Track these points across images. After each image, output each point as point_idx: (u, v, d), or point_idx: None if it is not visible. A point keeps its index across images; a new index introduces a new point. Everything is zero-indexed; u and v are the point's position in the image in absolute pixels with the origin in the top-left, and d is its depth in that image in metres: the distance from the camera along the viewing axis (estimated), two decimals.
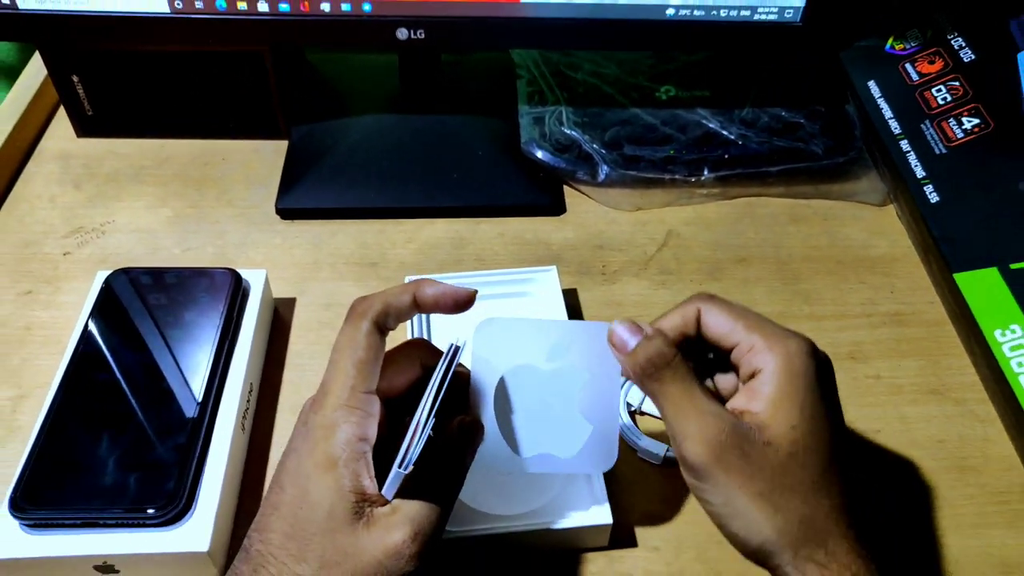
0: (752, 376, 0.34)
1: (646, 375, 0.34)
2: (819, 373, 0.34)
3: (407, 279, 0.50)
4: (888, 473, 0.46)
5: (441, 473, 0.34)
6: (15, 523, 0.38)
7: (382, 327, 0.35)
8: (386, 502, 0.33)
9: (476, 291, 0.37)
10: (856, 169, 0.61)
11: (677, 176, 0.60)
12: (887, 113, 0.59)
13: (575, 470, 0.39)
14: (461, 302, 0.37)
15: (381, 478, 0.33)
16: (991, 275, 0.48)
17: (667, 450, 0.45)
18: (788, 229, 0.59)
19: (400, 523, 0.32)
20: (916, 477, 0.45)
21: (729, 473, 0.32)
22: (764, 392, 0.33)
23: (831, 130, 0.62)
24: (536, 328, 0.39)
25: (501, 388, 0.38)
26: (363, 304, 0.35)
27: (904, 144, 0.57)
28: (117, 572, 0.39)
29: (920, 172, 0.55)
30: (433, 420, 0.33)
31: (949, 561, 0.42)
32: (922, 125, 0.57)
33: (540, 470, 0.38)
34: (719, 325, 0.36)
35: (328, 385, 0.34)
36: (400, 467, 0.31)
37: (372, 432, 0.33)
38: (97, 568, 0.39)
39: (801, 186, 0.61)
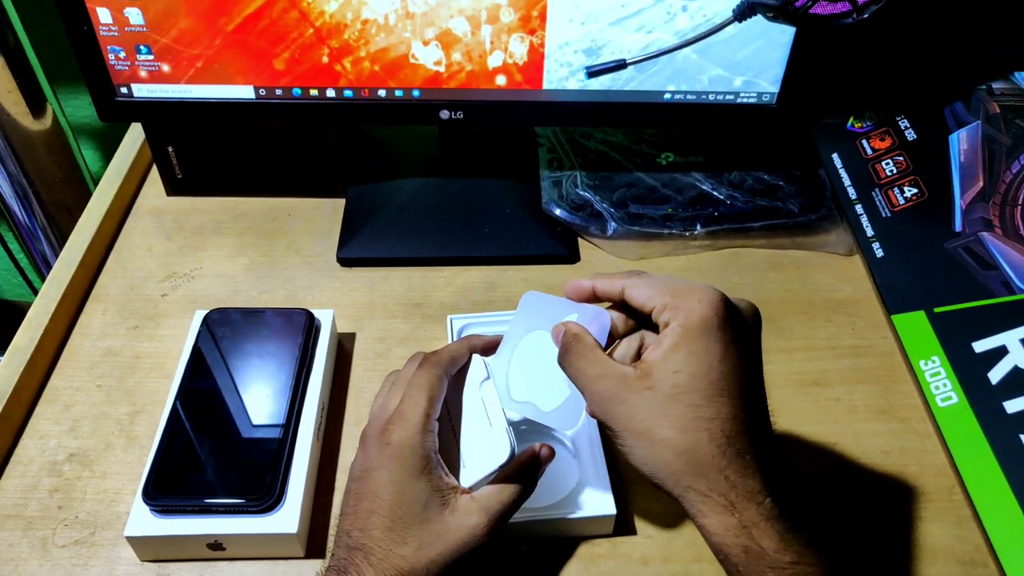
0: (664, 328, 0.39)
1: (561, 356, 0.43)
2: (725, 321, 0.38)
3: (448, 317, 0.61)
4: (843, 478, 0.55)
5: (516, 479, 0.44)
6: (147, 508, 0.49)
7: (448, 372, 0.47)
8: (466, 492, 0.43)
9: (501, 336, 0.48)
10: (826, 224, 0.71)
11: (674, 231, 0.71)
12: (846, 181, 0.70)
13: (547, 423, 0.46)
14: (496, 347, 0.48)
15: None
16: (919, 317, 0.59)
17: None
18: (768, 275, 0.69)
19: (477, 510, 0.43)
20: (866, 481, 0.55)
21: (615, 414, 0.39)
22: (663, 343, 0.38)
23: (805, 191, 0.73)
24: (562, 305, 0.47)
25: (523, 344, 0.47)
26: (435, 356, 0.47)
27: (858, 207, 0.68)
28: (224, 548, 0.50)
29: (870, 231, 0.66)
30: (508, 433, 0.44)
31: (891, 547, 0.52)
32: (873, 192, 0.68)
33: (521, 413, 0.47)
34: (639, 295, 0.41)
35: (407, 413, 0.44)
36: (487, 474, 0.43)
37: (437, 445, 0.44)
38: (209, 545, 0.50)
39: (780, 239, 0.71)
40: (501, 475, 0.44)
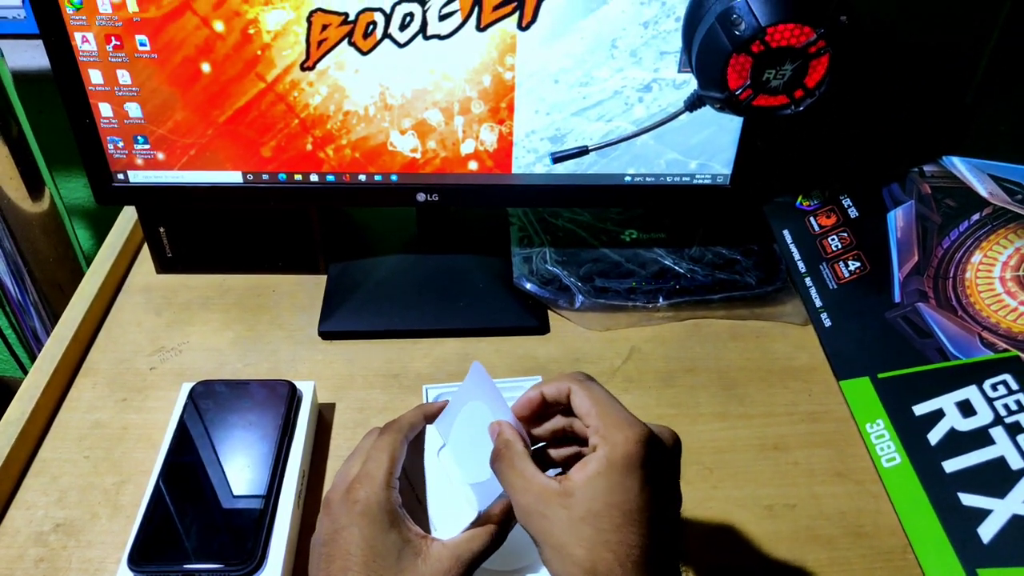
0: (593, 451, 0.41)
1: (493, 459, 0.45)
2: (646, 459, 0.40)
3: (424, 387, 0.64)
4: (803, 539, 0.58)
5: (489, 526, 0.46)
6: (132, 575, 0.51)
7: (407, 437, 0.49)
8: (436, 540, 0.45)
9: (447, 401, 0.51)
10: (782, 296, 0.76)
11: (638, 303, 0.75)
12: (796, 255, 0.75)
13: (467, 493, 0.47)
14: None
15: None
16: (864, 383, 0.63)
17: None
18: (728, 344, 0.73)
19: (449, 556, 0.44)
20: (825, 542, 0.58)
21: (533, 525, 0.41)
22: (587, 467, 0.41)
23: (762, 265, 0.77)
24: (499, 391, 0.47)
25: (463, 413, 0.49)
26: (395, 423, 0.50)
27: (808, 280, 0.72)
28: None
29: (819, 302, 0.70)
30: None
31: None
32: (820, 266, 0.72)
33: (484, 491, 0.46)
34: (581, 406, 0.43)
35: (371, 472, 0.46)
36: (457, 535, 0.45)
37: (400, 501, 0.46)
38: None
39: (739, 310, 0.76)
40: (497, 525, 0.45)
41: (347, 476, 0.47)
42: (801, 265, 0.74)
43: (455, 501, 0.48)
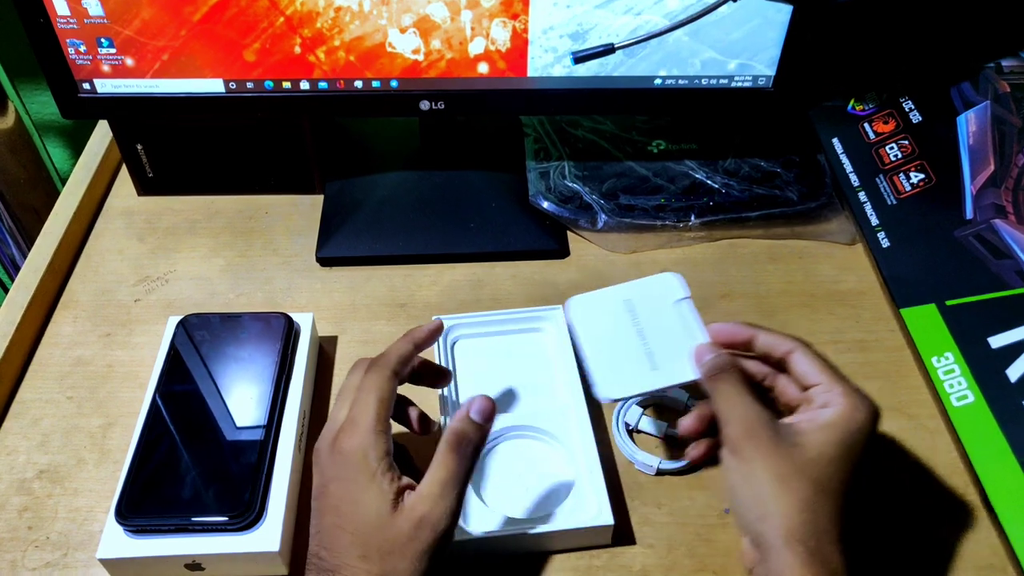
0: (821, 407, 0.42)
1: (709, 376, 0.44)
2: (870, 435, 0.42)
3: (434, 318, 0.59)
4: None
5: (453, 451, 0.42)
6: (120, 529, 0.47)
7: (397, 373, 0.45)
8: (409, 493, 0.41)
9: (442, 322, 0.51)
10: (827, 212, 0.69)
11: (667, 222, 0.68)
12: (848, 167, 0.67)
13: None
14: (439, 329, 0.50)
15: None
16: (930, 311, 0.56)
17: (660, 462, 0.53)
18: (767, 267, 0.67)
19: (420, 500, 0.41)
20: (877, 479, 0.53)
21: (756, 449, 0.41)
22: (820, 417, 0.42)
23: (804, 178, 0.70)
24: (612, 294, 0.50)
25: (650, 307, 0.49)
26: (381, 359, 0.46)
27: (862, 195, 0.65)
28: (203, 568, 0.47)
29: (874, 220, 0.63)
30: None
31: (902, 551, 0.49)
32: (877, 178, 0.65)
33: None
34: (808, 368, 0.44)
35: (357, 419, 0.43)
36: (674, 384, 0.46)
37: (391, 448, 0.43)
38: (187, 566, 0.47)
39: (778, 228, 0.69)
40: (443, 450, 0.43)
41: (334, 422, 0.44)
42: (854, 178, 0.66)
43: (683, 354, 0.46)
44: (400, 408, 0.48)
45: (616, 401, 0.54)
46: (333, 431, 0.44)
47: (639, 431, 0.55)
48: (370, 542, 0.40)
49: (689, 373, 0.46)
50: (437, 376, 0.51)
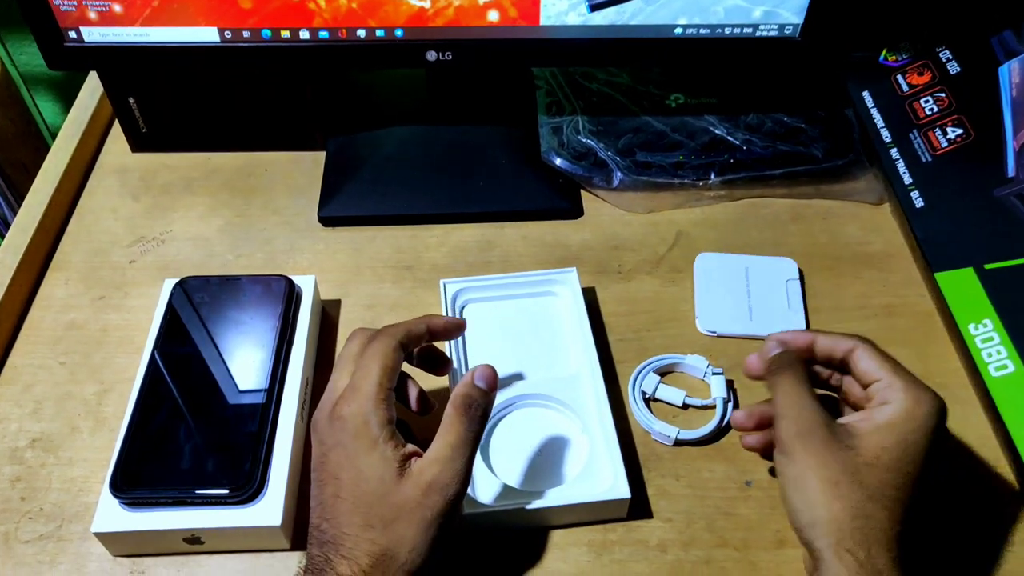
0: (880, 405, 0.41)
1: (770, 371, 0.43)
2: (937, 432, 0.40)
3: (441, 281, 0.56)
4: None
5: (462, 415, 0.41)
6: (115, 502, 0.45)
7: (404, 346, 0.43)
8: (416, 459, 0.39)
9: (465, 321, 0.48)
10: (854, 170, 0.66)
11: (686, 180, 0.65)
12: (879, 122, 0.63)
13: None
14: (461, 327, 0.48)
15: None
16: (967, 275, 0.53)
17: (678, 432, 0.50)
18: (790, 228, 0.64)
19: (429, 464, 0.39)
20: None
21: (807, 451, 0.39)
22: (877, 417, 0.40)
23: (830, 134, 0.67)
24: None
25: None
26: (391, 328, 0.44)
27: (894, 152, 0.62)
28: (202, 542, 0.45)
29: (907, 179, 0.60)
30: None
31: (931, 525, 0.47)
32: (910, 134, 0.61)
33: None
34: (869, 365, 0.42)
35: (358, 384, 0.41)
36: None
37: (394, 416, 0.41)
38: (186, 539, 0.45)
39: (802, 187, 0.66)
40: (452, 414, 0.41)
41: (334, 390, 0.43)
42: (885, 133, 0.63)
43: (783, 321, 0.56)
44: (400, 385, 0.46)
45: (711, 334, 0.56)
46: (332, 399, 0.42)
47: (656, 400, 0.53)
48: (373, 510, 0.38)
49: (778, 330, 0.47)
50: (439, 364, 0.49)
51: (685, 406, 0.52)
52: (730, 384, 0.53)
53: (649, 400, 0.53)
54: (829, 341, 0.44)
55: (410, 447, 0.40)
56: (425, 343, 0.46)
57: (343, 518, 0.38)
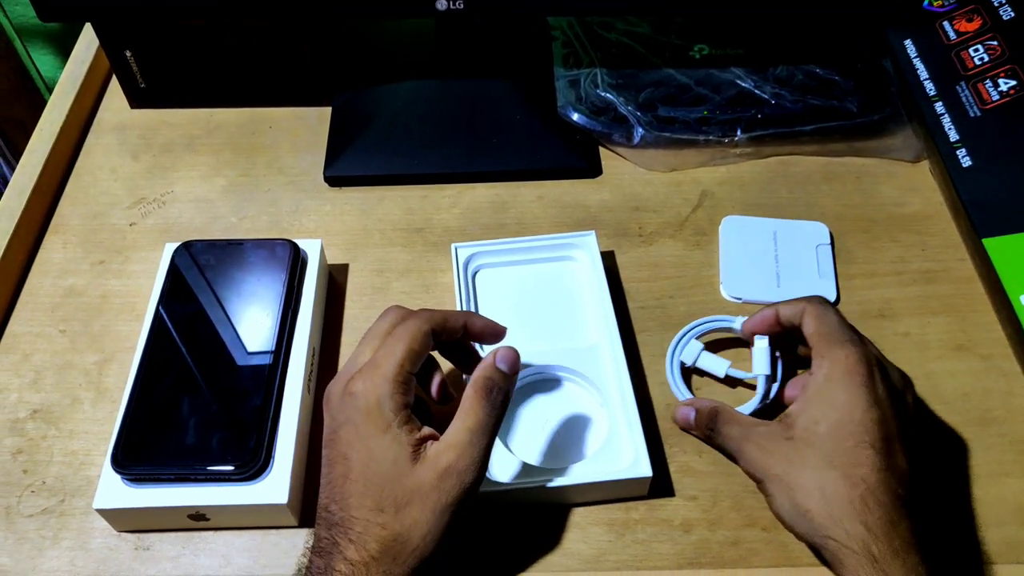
0: (809, 376, 0.41)
1: (709, 432, 0.45)
2: (870, 377, 0.39)
3: (453, 245, 0.53)
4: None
5: (482, 398, 0.39)
6: (118, 477, 0.43)
7: (436, 334, 0.40)
8: (432, 443, 0.38)
9: (505, 330, 0.44)
10: (891, 126, 0.62)
11: (711, 137, 0.62)
12: (922, 73, 0.59)
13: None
14: (499, 335, 0.44)
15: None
16: (1019, 241, 0.50)
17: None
18: (821, 187, 0.61)
19: (446, 449, 0.37)
20: (941, 430, 0.48)
21: (760, 468, 0.41)
22: (805, 393, 0.41)
23: (866, 86, 0.63)
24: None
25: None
26: (427, 312, 0.41)
27: (939, 106, 0.58)
28: (207, 519, 0.44)
29: (953, 135, 0.56)
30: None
31: (969, 508, 0.45)
32: (957, 86, 0.57)
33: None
34: (807, 327, 0.43)
35: (380, 361, 0.39)
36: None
37: (411, 401, 0.39)
38: (190, 516, 0.43)
39: (835, 144, 0.62)
40: (471, 396, 0.39)
41: (354, 364, 0.41)
42: (929, 86, 0.59)
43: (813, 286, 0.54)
44: (424, 370, 0.43)
45: (736, 301, 0.54)
46: (350, 372, 0.40)
47: (696, 369, 0.50)
48: (385, 493, 0.36)
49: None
50: (467, 360, 0.45)
51: (728, 379, 0.49)
52: (776, 357, 0.48)
53: (690, 370, 0.50)
54: (788, 310, 0.44)
55: (426, 430, 0.38)
56: (458, 339, 0.43)
57: (352, 500, 0.37)
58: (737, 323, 0.49)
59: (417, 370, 0.39)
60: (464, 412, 0.38)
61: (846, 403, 0.39)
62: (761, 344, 0.47)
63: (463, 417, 0.38)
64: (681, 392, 0.49)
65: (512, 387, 0.40)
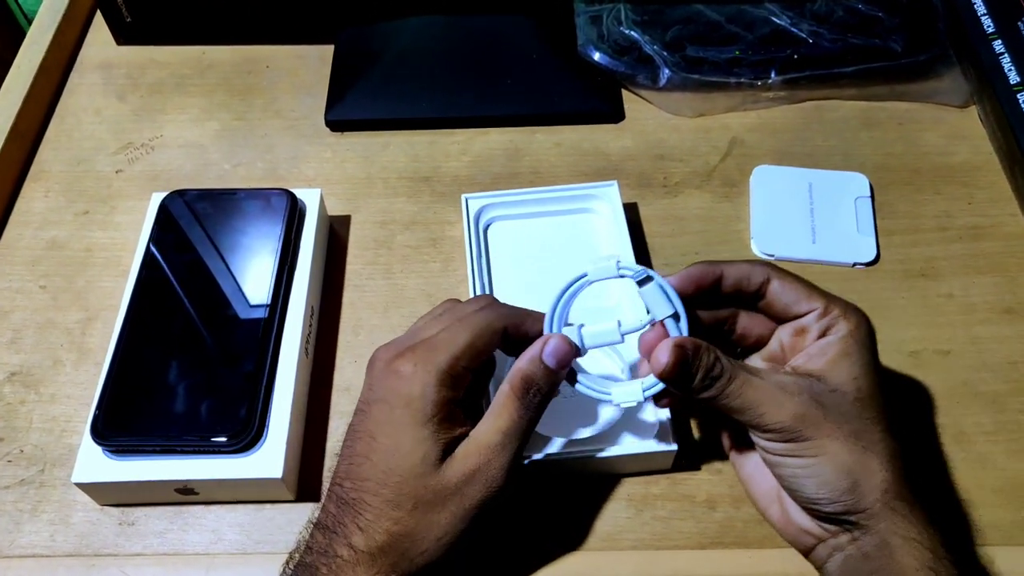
0: (821, 337, 0.36)
1: (706, 389, 0.34)
2: (873, 343, 0.36)
3: (463, 196, 0.50)
4: (958, 395, 0.45)
5: (517, 399, 0.35)
6: (98, 449, 0.40)
7: (508, 332, 0.37)
8: (466, 439, 0.34)
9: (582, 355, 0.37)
10: (938, 67, 0.57)
11: (742, 79, 0.57)
12: (979, 9, 0.54)
13: None
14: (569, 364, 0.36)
15: None
16: None
17: (643, 387, 0.41)
18: (860, 135, 0.56)
19: (475, 451, 0.34)
20: (985, 400, 0.44)
21: (816, 424, 0.33)
22: (829, 351, 0.35)
23: (912, 24, 0.57)
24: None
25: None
26: (504, 307, 0.38)
27: (997, 45, 0.52)
28: (196, 493, 0.41)
29: (1013, 77, 0.51)
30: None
31: (1013, 484, 0.42)
32: (1020, 23, 0.52)
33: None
34: (786, 292, 0.36)
35: (437, 345, 0.35)
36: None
37: (460, 396, 0.35)
38: (178, 490, 0.40)
39: (876, 87, 0.57)
40: (507, 395, 0.35)
41: (412, 336, 0.37)
42: (987, 22, 0.53)
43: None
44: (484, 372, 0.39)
45: (768, 257, 0.50)
46: (405, 344, 0.36)
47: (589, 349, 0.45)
48: (404, 489, 0.33)
49: (846, 255, 0.48)
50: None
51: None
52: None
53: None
54: (741, 271, 0.37)
55: (461, 429, 0.35)
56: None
57: (369, 485, 0.34)
58: (593, 269, 0.38)
59: (476, 366, 0.36)
60: (497, 410, 0.35)
61: (869, 366, 0.35)
62: (654, 282, 0.36)
63: (496, 416, 0.35)
64: (592, 387, 0.38)
65: (555, 385, 0.36)
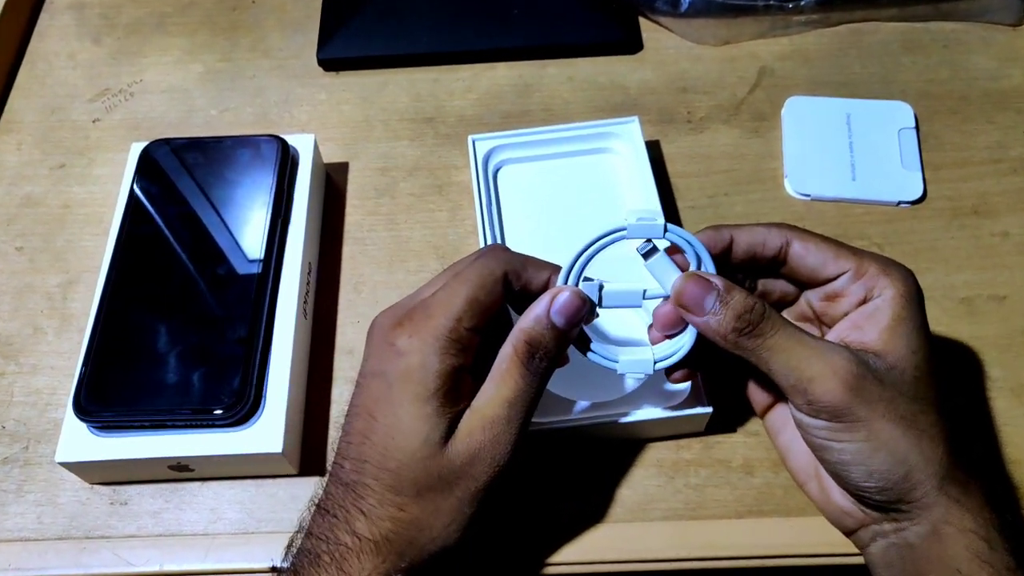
0: (862, 303, 0.32)
1: (743, 334, 0.31)
2: (923, 303, 0.32)
3: (470, 138, 0.46)
4: (1016, 343, 0.41)
5: (519, 365, 0.31)
6: (83, 426, 0.37)
7: (510, 281, 0.33)
8: (468, 414, 0.31)
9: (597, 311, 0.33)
10: None
11: (771, 2, 0.52)
12: None
13: None
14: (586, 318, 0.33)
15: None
16: None
17: (654, 358, 0.36)
18: (902, 60, 0.52)
19: (478, 426, 0.31)
20: None
21: (871, 403, 0.30)
22: (879, 319, 0.31)
23: None
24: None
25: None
26: (505, 252, 0.33)
27: None
28: (192, 470, 0.38)
29: None
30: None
31: None
32: None
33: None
34: (814, 257, 0.33)
35: (433, 309, 0.31)
36: None
37: (465, 362, 0.31)
38: (171, 467, 0.38)
39: (918, 6, 0.53)
40: (510, 359, 0.31)
41: (413, 298, 0.33)
42: None
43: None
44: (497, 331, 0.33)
45: (804, 198, 0.46)
46: (405, 308, 0.32)
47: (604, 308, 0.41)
48: (405, 473, 0.30)
49: (889, 193, 0.45)
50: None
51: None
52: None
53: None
54: (755, 236, 0.33)
55: (467, 401, 0.31)
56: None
57: (369, 467, 0.31)
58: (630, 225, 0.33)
59: (482, 325, 0.31)
60: (500, 377, 0.31)
61: (923, 329, 0.32)
62: (660, 249, 0.33)
63: (498, 383, 0.31)
64: (603, 355, 0.34)
65: (564, 348, 0.32)
